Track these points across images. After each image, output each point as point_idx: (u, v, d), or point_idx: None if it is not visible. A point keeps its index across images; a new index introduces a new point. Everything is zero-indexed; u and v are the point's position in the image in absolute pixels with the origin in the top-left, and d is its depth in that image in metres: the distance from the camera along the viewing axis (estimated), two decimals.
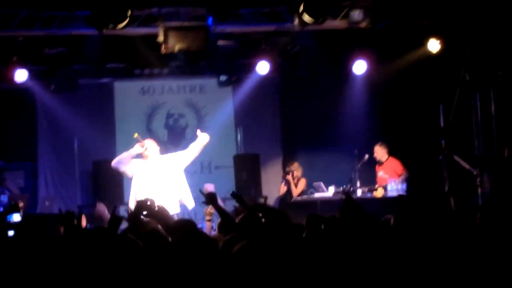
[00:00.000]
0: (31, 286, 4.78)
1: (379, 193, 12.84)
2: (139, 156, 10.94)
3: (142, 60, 14.04)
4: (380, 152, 13.59)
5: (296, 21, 11.32)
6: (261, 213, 6.58)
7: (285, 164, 15.01)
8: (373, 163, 13.75)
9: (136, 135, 11.02)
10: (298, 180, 13.97)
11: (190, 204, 10.80)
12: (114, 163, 10.96)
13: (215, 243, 4.92)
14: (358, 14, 11.69)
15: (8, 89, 14.53)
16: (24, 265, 4.95)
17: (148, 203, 6.42)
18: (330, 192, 13.09)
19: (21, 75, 13.64)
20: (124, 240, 4.71)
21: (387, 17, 11.89)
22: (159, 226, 6.18)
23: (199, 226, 7.62)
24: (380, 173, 13.56)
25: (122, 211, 11.13)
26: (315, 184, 13.52)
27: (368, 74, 14.51)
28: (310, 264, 4.87)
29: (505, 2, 11.75)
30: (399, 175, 13.24)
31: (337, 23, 12.09)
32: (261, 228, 6.18)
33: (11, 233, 7.08)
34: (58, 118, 14.97)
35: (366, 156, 13.45)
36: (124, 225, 7.37)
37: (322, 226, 6.22)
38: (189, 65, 14.28)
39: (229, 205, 10.84)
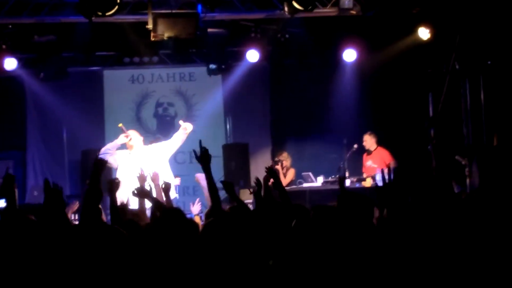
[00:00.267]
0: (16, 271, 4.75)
1: (368, 183, 12.83)
2: (123, 146, 10.94)
3: (131, 48, 13.99)
4: (369, 141, 13.56)
5: (286, 9, 11.31)
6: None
7: (274, 153, 14.98)
8: (362, 152, 13.72)
9: (120, 125, 11.00)
10: (287, 170, 13.94)
11: (173, 194, 10.78)
12: (99, 154, 10.94)
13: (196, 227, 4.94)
14: (349, 1, 11.69)
15: None
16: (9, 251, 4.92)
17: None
18: (319, 182, 13.07)
19: (10, 63, 13.59)
20: (111, 231, 4.71)
21: (377, 4, 11.88)
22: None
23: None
24: (369, 163, 13.53)
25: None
26: (304, 174, 13.48)
27: (358, 62, 14.49)
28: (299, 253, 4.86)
29: None
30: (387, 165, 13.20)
31: (327, 10, 12.12)
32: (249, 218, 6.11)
33: None
34: (47, 106, 14.89)
35: (355, 145, 13.45)
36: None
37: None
38: (179, 53, 14.25)
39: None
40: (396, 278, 4.74)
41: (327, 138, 15.06)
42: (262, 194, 6.64)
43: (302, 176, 13.51)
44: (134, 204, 8.81)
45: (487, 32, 12.16)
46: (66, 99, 14.77)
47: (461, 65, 12.34)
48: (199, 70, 15.23)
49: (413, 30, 12.95)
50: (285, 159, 13.93)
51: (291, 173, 13.88)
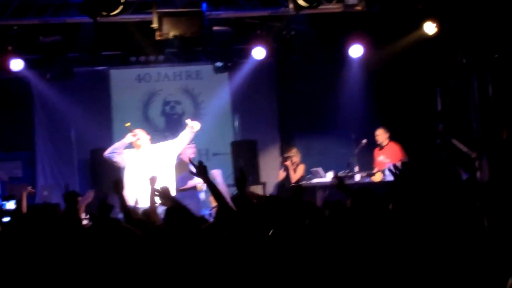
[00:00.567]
0: (28, 270, 4.78)
1: (377, 177, 12.81)
2: (130, 146, 10.96)
3: (137, 47, 13.99)
4: (382, 136, 13.53)
5: (291, 6, 11.28)
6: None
7: (283, 149, 14.98)
8: (372, 147, 13.69)
9: (128, 124, 11.02)
10: (297, 165, 13.92)
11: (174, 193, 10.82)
12: (107, 153, 10.98)
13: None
14: None
15: (4, 79, 14.50)
16: (20, 252, 4.94)
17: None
18: (328, 177, 13.05)
19: (16, 65, 13.60)
20: (124, 231, 4.72)
21: (382, 0, 11.85)
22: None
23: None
24: (381, 158, 13.48)
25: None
26: (313, 169, 13.48)
27: (365, 58, 14.46)
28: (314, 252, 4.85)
29: None
30: (400, 160, 13.20)
31: (332, 7, 12.09)
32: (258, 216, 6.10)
33: (6, 219, 7.10)
34: (54, 107, 14.90)
35: (364, 140, 13.43)
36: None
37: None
38: (184, 51, 14.22)
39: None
40: (402, 272, 4.73)
41: (335, 134, 15.05)
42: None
43: (311, 171, 13.51)
44: (143, 203, 8.84)
45: (493, 26, 12.09)
46: (73, 99, 14.76)
47: (469, 59, 12.27)
48: (206, 68, 15.21)
49: (419, 25, 12.90)
50: (295, 155, 13.90)
51: (301, 169, 13.85)
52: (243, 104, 15.55)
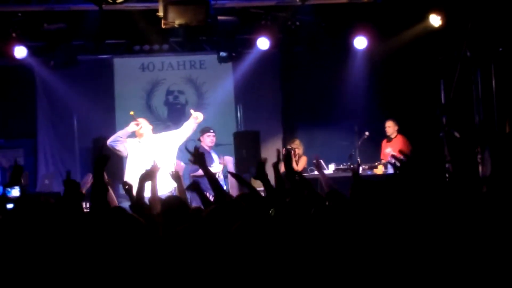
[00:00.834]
0: (31, 258, 4.75)
1: (379, 170, 12.81)
2: (133, 135, 10.95)
3: (141, 36, 13.95)
4: (392, 128, 13.52)
5: None
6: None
7: (285, 141, 14.97)
8: (374, 140, 13.69)
9: (132, 112, 11.02)
10: (299, 157, 13.88)
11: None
12: (109, 141, 10.96)
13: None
14: None
15: (7, 66, 14.46)
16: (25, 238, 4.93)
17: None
18: (330, 169, 13.04)
19: (20, 52, 13.59)
20: (129, 219, 4.70)
21: None
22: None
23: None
24: (388, 150, 13.46)
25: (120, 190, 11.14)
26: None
27: (369, 49, 14.46)
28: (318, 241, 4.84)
29: None
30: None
31: None
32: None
33: (10, 205, 7.08)
34: (57, 94, 14.86)
35: (367, 133, 13.43)
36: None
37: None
38: (189, 41, 14.22)
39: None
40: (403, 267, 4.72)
41: (338, 126, 15.05)
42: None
43: (314, 163, 13.47)
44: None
45: (498, 19, 12.09)
46: (76, 87, 14.71)
47: (473, 52, 12.27)
48: (210, 58, 15.17)
49: (424, 17, 12.89)
50: (298, 146, 13.86)
51: (303, 161, 13.83)
52: (247, 94, 15.52)
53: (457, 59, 12.45)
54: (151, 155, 10.62)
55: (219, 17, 13.07)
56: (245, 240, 4.36)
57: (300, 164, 13.78)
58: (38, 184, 14.63)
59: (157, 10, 11.36)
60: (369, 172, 12.86)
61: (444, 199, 5.64)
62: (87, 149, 14.83)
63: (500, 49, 12.22)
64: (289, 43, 14.51)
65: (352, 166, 12.88)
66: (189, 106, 15.11)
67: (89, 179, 8.64)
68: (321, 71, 15.22)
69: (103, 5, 10.87)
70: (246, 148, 14.31)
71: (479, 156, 12.04)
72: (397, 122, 13.55)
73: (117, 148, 10.93)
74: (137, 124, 10.92)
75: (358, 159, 13.18)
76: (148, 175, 6.41)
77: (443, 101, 12.97)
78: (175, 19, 11.08)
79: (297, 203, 5.81)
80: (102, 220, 4.77)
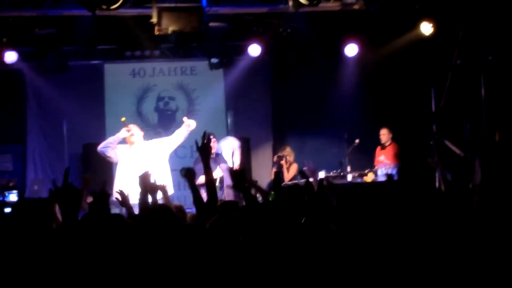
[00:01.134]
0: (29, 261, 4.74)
1: (369, 178, 12.83)
2: (124, 141, 10.94)
3: (133, 41, 13.95)
4: (386, 136, 13.61)
5: (291, 3, 11.28)
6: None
7: (276, 148, 14.96)
8: (364, 147, 13.72)
9: (123, 119, 11.01)
10: (290, 165, 13.88)
11: (170, 190, 10.78)
12: (100, 147, 10.96)
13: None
14: None
15: None
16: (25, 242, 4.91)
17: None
18: (320, 177, 13.05)
19: (10, 57, 13.55)
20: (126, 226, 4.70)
21: None
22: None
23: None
24: (381, 157, 13.53)
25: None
26: (305, 169, 13.45)
27: (360, 57, 14.49)
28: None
29: None
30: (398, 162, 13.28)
31: (330, 5, 12.08)
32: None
33: (8, 209, 7.07)
34: (47, 100, 14.82)
35: (357, 140, 13.45)
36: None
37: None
38: (180, 47, 14.21)
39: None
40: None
41: (328, 133, 15.06)
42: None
43: (304, 170, 13.46)
44: (134, 199, 8.80)
45: (488, 28, 12.15)
46: (67, 93, 14.67)
47: (463, 61, 12.32)
48: (201, 64, 15.13)
49: (416, 25, 12.95)
50: (289, 154, 13.86)
51: (294, 168, 13.82)
52: (237, 101, 15.47)
53: (448, 67, 12.49)
54: (142, 161, 10.63)
55: (210, 24, 13.07)
56: (252, 251, 4.36)
57: (291, 171, 13.79)
58: (27, 190, 14.54)
59: (149, 16, 11.37)
60: (359, 180, 12.87)
61: (434, 208, 5.67)
62: (77, 155, 14.75)
63: (490, 58, 12.27)
64: (280, 50, 14.52)
65: (342, 173, 12.94)
66: (180, 112, 15.10)
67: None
68: (312, 78, 15.25)
69: (97, 11, 10.85)
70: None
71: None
72: (391, 130, 13.60)
73: (108, 154, 10.93)
74: (128, 131, 10.91)
75: (348, 167, 13.21)
76: (152, 189, 6.35)
77: (433, 109, 13.01)
78: (169, 26, 11.09)
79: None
80: (100, 227, 4.75)
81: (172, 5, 11.23)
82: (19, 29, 13.05)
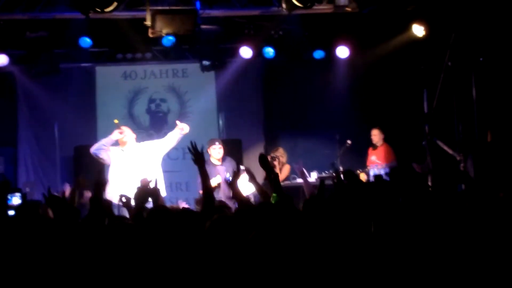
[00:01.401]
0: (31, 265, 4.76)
1: (361, 178, 12.86)
2: (116, 143, 10.93)
3: (124, 44, 13.93)
4: (378, 136, 13.66)
5: (284, 6, 11.28)
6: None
7: (267, 149, 14.96)
8: (355, 148, 13.76)
9: (116, 121, 11.00)
10: (283, 166, 13.90)
11: (162, 193, 10.78)
12: (93, 149, 10.95)
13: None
14: None
15: None
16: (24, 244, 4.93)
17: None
18: (312, 177, 13.10)
19: (1, 60, 13.53)
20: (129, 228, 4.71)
21: (373, 2, 11.89)
22: None
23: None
24: (373, 158, 13.59)
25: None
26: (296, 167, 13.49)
27: (352, 59, 14.53)
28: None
29: None
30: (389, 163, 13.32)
31: (322, 7, 12.10)
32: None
33: (11, 212, 7.07)
34: (38, 103, 14.78)
35: (349, 141, 13.50)
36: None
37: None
38: (172, 49, 14.19)
39: None
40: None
41: (320, 134, 15.08)
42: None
43: (296, 171, 13.51)
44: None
45: (479, 29, 12.21)
46: (58, 96, 14.68)
47: (454, 62, 12.37)
48: (192, 67, 15.10)
49: (408, 27, 13.00)
50: (281, 155, 13.87)
51: (286, 169, 13.84)
52: (229, 103, 15.46)
53: (440, 68, 12.54)
54: (135, 164, 10.63)
55: (202, 26, 13.05)
56: (260, 250, 4.39)
57: (283, 172, 13.79)
58: None
59: (142, 19, 11.36)
60: None
61: (426, 208, 5.71)
62: (68, 158, 14.74)
63: (481, 59, 12.32)
64: (272, 52, 14.53)
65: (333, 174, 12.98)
66: (172, 114, 15.09)
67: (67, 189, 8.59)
68: (304, 80, 15.28)
69: (90, 14, 10.84)
70: (228, 156, 14.30)
71: (461, 165, 12.12)
72: (383, 130, 13.64)
73: (101, 156, 10.92)
74: (121, 133, 10.90)
75: (340, 168, 13.22)
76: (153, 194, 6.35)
77: (426, 110, 13.05)
78: (163, 28, 11.08)
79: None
80: (101, 230, 4.77)
81: (166, 7, 11.22)
82: (10, 32, 13.01)
